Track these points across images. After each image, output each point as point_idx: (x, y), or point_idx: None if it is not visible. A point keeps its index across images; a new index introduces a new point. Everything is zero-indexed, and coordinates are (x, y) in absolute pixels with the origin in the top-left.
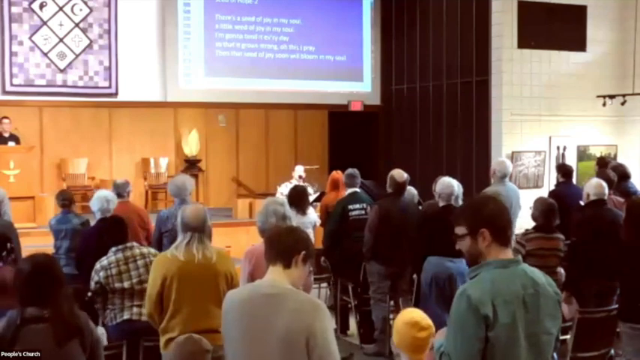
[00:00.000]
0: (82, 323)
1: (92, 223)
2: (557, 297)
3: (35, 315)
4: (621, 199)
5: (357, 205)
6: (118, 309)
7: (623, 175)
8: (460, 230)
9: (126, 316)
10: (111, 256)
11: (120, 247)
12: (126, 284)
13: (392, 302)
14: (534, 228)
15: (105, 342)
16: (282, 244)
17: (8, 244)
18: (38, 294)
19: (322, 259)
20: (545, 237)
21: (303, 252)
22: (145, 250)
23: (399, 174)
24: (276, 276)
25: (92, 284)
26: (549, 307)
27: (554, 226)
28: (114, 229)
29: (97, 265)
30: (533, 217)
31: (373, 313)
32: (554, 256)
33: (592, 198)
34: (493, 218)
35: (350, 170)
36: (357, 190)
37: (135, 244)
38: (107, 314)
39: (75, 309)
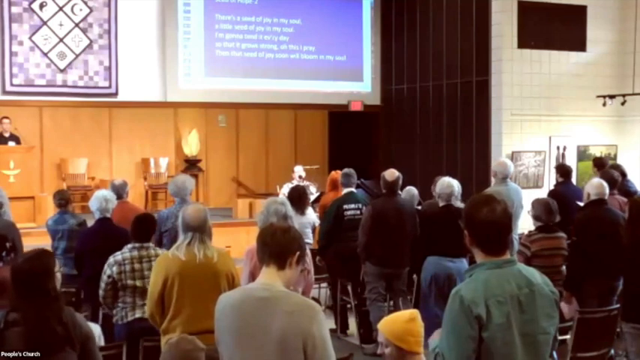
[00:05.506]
0: (62, 326)
1: (91, 223)
2: (553, 296)
3: (16, 318)
4: (624, 199)
5: (352, 205)
6: (130, 307)
7: (622, 174)
8: (462, 223)
9: (138, 315)
10: (126, 253)
11: (137, 245)
12: (138, 282)
13: (391, 302)
14: (537, 229)
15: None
16: (277, 245)
17: (7, 244)
18: (18, 297)
19: (317, 258)
20: (548, 237)
21: (298, 253)
22: (160, 251)
23: (390, 173)
24: (268, 278)
25: (104, 278)
26: (546, 307)
27: (554, 222)
28: (140, 228)
29: (111, 260)
30: (536, 217)
31: (371, 314)
32: (558, 255)
33: (592, 198)
34: (475, 225)
35: (346, 170)
36: (353, 189)
37: (151, 244)
38: (117, 312)
39: (56, 311)
